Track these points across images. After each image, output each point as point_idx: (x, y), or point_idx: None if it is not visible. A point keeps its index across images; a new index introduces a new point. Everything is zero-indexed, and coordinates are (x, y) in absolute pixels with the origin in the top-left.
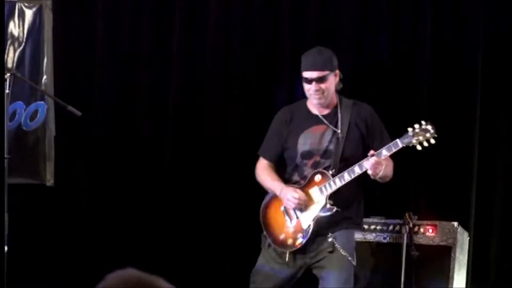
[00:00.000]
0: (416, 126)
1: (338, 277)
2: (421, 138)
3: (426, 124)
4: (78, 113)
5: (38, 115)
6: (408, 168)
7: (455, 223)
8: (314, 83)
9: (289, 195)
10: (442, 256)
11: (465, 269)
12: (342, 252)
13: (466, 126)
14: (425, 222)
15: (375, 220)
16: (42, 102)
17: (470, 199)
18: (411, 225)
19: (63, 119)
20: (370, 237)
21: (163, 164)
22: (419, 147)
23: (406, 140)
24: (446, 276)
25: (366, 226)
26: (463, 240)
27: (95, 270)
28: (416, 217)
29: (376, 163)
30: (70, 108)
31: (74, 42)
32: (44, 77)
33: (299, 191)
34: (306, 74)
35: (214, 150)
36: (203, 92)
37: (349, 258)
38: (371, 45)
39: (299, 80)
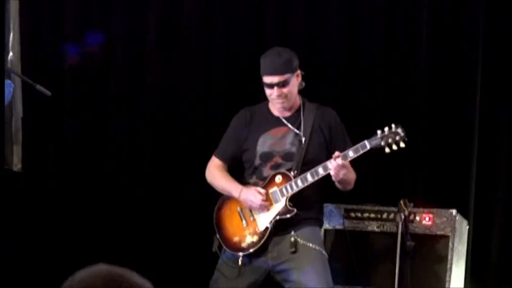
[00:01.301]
0: (386, 128)
1: (313, 269)
2: (389, 140)
3: (396, 127)
4: (48, 92)
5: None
6: (403, 151)
7: (454, 211)
8: (275, 88)
9: (251, 195)
10: (439, 246)
11: (464, 260)
12: (309, 245)
13: (466, 110)
14: (421, 209)
15: (368, 207)
16: (8, 81)
17: (469, 184)
18: (406, 213)
19: (31, 99)
20: (363, 226)
21: (137, 147)
22: (387, 150)
23: (374, 142)
24: (444, 267)
25: (358, 214)
26: (462, 229)
27: (65, 260)
28: (412, 204)
29: (341, 165)
30: (39, 87)
31: (42, 16)
32: (10, 54)
33: (262, 190)
34: (267, 79)
35: (193, 143)
36: (182, 84)
37: (320, 249)
38: (365, 45)
39: None
